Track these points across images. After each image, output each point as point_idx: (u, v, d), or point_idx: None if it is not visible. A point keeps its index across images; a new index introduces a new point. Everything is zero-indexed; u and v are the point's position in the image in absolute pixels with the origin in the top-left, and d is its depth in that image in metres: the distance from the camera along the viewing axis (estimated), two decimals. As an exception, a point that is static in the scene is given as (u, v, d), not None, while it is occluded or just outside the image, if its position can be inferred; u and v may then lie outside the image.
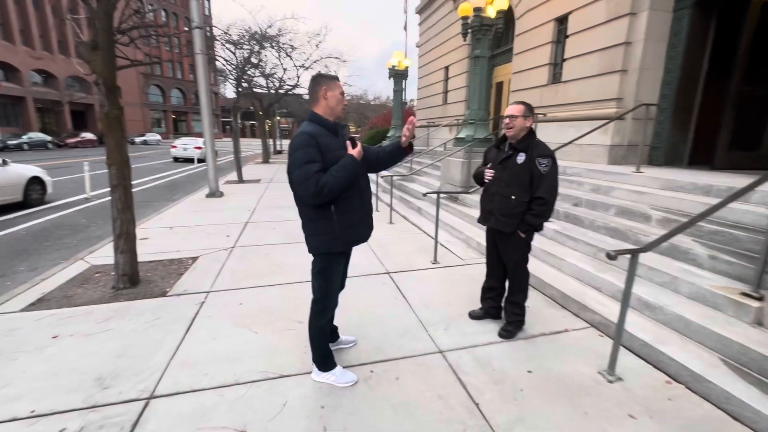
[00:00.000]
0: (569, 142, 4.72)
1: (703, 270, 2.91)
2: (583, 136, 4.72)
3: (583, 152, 6.46)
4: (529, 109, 2.53)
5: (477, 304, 3.12)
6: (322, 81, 1.99)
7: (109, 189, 3.47)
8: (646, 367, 2.37)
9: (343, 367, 2.27)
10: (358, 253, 4.52)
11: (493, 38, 6.75)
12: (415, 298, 3.37)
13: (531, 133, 2.56)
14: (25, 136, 24.80)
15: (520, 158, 2.48)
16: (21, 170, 7.38)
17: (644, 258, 2.52)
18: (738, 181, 3.95)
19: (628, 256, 2.11)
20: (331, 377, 2.20)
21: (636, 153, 5.90)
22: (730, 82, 5.17)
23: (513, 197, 2.49)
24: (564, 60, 7.08)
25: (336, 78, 2.03)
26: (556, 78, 7.48)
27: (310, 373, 2.29)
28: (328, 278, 2.10)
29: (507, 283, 2.81)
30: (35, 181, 7.63)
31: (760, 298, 2.38)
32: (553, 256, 3.80)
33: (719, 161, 5.31)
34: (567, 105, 7.01)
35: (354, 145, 2.01)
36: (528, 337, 2.73)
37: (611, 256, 2.01)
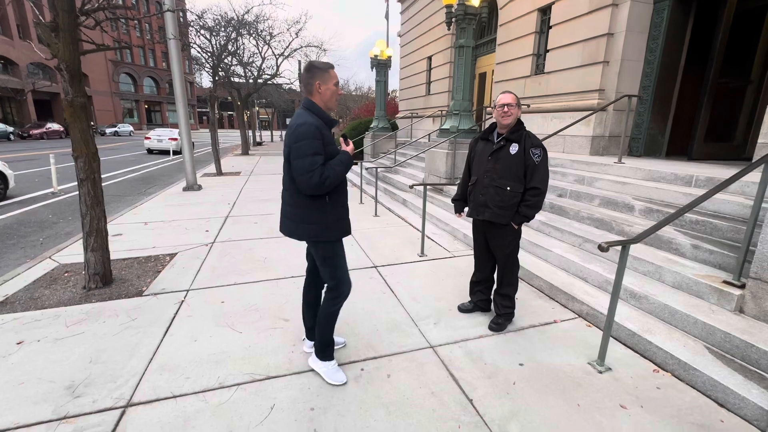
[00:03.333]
0: (554, 134, 4.73)
1: (686, 259, 2.97)
2: (566, 127, 4.75)
3: (566, 143, 6.52)
4: (520, 100, 2.55)
5: (466, 297, 3.10)
6: (315, 74, 1.93)
7: (76, 183, 3.25)
8: (633, 357, 2.40)
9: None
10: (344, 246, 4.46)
11: (477, 28, 6.69)
12: (404, 292, 3.32)
13: (521, 123, 2.53)
14: (-16, 127, 23.31)
15: (514, 149, 2.44)
16: (-21, 163, 6.89)
17: (630, 248, 2.54)
18: (716, 171, 4.05)
19: (619, 247, 2.10)
20: (323, 369, 2.17)
21: (617, 144, 6.01)
22: (707, 74, 5.28)
23: (508, 188, 2.46)
24: (547, 51, 7.09)
25: (330, 67, 1.98)
26: (539, 69, 7.50)
27: (299, 373, 2.21)
28: (336, 264, 2.09)
29: (496, 276, 2.78)
30: (-5, 175, 7.14)
31: (741, 286, 2.44)
32: (539, 247, 3.81)
33: (696, 152, 5.45)
34: (550, 96, 7.04)
35: (347, 143, 2.09)
36: (518, 329, 2.72)
37: (603, 248, 2.00)
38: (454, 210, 3.01)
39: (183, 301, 3.10)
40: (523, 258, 3.75)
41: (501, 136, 2.54)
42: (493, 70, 9.32)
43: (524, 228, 4.31)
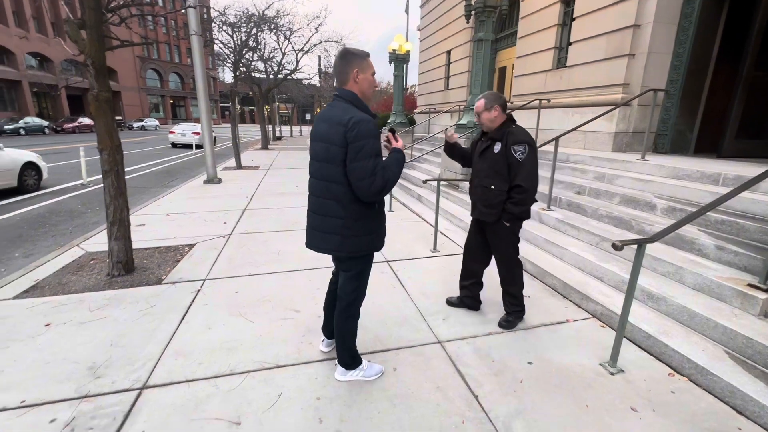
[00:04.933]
0: (572, 129, 4.59)
1: (708, 260, 2.85)
2: (587, 122, 4.59)
3: (587, 139, 6.34)
4: (491, 100, 2.47)
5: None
6: (353, 61, 1.74)
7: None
8: (648, 359, 2.33)
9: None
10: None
11: (497, 21, 6.55)
12: (414, 287, 3.32)
13: (508, 121, 2.49)
14: (21, 121, 24.52)
15: (497, 147, 2.44)
16: (16, 155, 7.26)
17: (648, 248, 2.46)
18: (747, 169, 3.85)
19: (634, 246, 2.04)
20: (359, 373, 2.10)
21: (641, 140, 5.79)
22: (741, 66, 5.01)
23: (492, 187, 2.47)
24: (570, 44, 6.88)
25: (368, 55, 1.79)
26: (561, 63, 7.29)
27: (307, 363, 2.26)
28: (365, 279, 2.01)
29: (498, 274, 2.72)
30: (30, 167, 7.53)
31: (767, 290, 2.32)
32: (554, 245, 3.73)
33: (726, 149, 5.20)
34: (572, 90, 6.85)
35: (396, 139, 1.85)
36: (528, 327, 2.68)
37: (617, 247, 1.94)
38: None
39: (199, 290, 3.20)
40: (537, 255, 3.69)
41: (487, 135, 2.55)
42: (513, 64, 9.12)
43: (538, 225, 4.24)
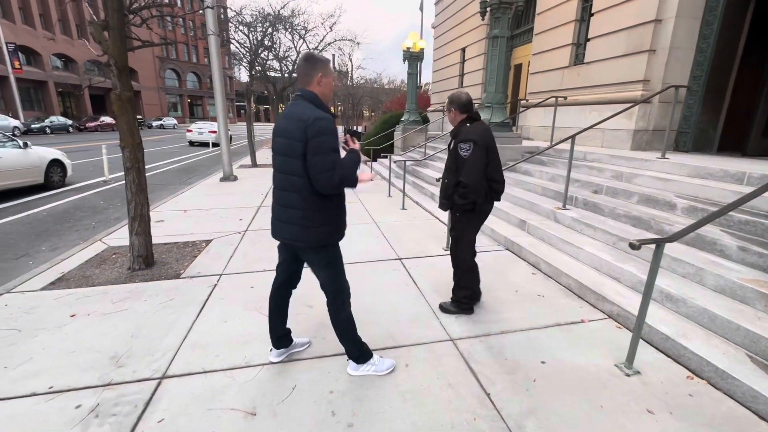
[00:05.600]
0: (590, 127, 4.50)
1: (731, 262, 2.76)
2: (605, 120, 4.50)
3: (605, 137, 6.21)
4: (449, 102, 2.69)
5: (490, 293, 3.08)
6: (318, 65, 1.84)
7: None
8: (666, 361, 2.28)
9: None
10: (369, 239, 4.52)
11: (513, 17, 6.47)
12: (427, 284, 3.33)
13: (464, 120, 2.65)
14: (47, 120, 25.40)
15: (452, 145, 2.66)
16: (42, 153, 7.54)
17: (667, 248, 2.41)
18: (773, 168, 3.72)
19: (652, 246, 2.00)
20: (371, 368, 2.11)
21: (661, 138, 5.65)
22: (769, 62, 4.83)
23: (446, 180, 2.74)
24: (588, 40, 6.75)
25: (329, 61, 1.93)
26: (578, 59, 7.16)
27: (320, 357, 2.29)
28: (338, 268, 2.04)
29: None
30: (56, 164, 7.81)
31: (793, 293, 2.25)
32: (569, 244, 3.68)
33: (752, 147, 5.03)
34: (589, 87, 6.72)
35: (354, 141, 1.99)
36: (542, 326, 2.66)
37: (635, 246, 1.91)
38: None
39: (216, 284, 3.28)
40: (552, 255, 3.65)
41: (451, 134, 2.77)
42: (529, 61, 9.00)
43: (553, 224, 4.18)
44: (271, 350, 2.28)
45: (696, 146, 5.57)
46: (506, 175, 5.82)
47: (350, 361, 2.15)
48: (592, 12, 6.58)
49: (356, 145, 1.96)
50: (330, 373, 2.15)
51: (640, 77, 5.67)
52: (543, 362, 2.27)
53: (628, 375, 2.15)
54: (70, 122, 27.04)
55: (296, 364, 2.23)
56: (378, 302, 2.99)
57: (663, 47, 5.42)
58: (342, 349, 2.34)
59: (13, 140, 7.00)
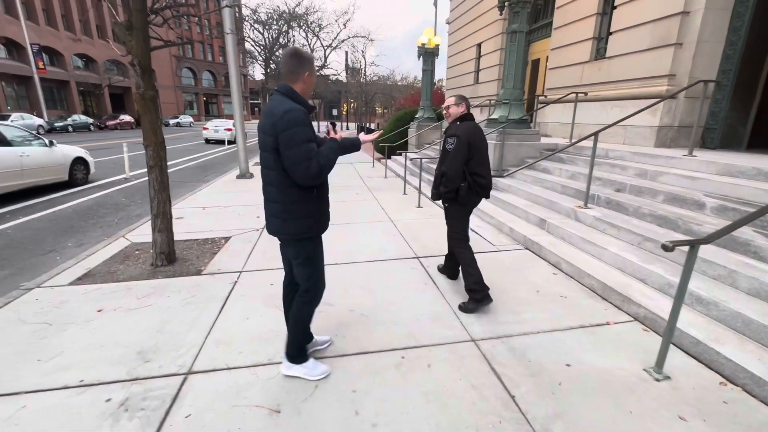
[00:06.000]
0: (614, 123, 4.37)
1: (766, 264, 2.66)
2: (630, 116, 4.36)
3: (628, 134, 6.05)
4: (460, 98, 2.94)
5: (510, 293, 3.05)
6: (305, 63, 1.85)
7: (145, 169, 3.56)
8: (697, 367, 2.21)
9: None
10: (386, 237, 4.51)
11: (532, 12, 6.34)
12: (446, 284, 3.30)
13: (459, 118, 2.89)
14: (70, 119, 26.11)
15: (443, 139, 2.93)
16: (67, 151, 7.75)
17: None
18: (810, 166, 3.56)
19: (685, 247, 1.93)
20: (303, 370, 2.09)
21: (687, 135, 5.48)
22: (805, 54, 4.62)
23: (436, 171, 3.00)
24: (610, 33, 6.57)
25: (313, 58, 1.97)
26: (599, 53, 6.98)
27: (342, 356, 2.30)
28: (317, 263, 2.03)
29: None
30: (79, 162, 8.02)
31: (835, 297, 2.14)
32: (592, 244, 3.60)
33: (785, 144, 4.82)
34: (611, 83, 6.54)
35: (335, 131, 2.05)
36: (565, 328, 2.60)
37: (668, 248, 1.84)
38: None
39: (236, 281, 3.32)
40: (573, 255, 3.57)
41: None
42: (547, 57, 8.82)
43: (575, 224, 4.10)
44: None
45: (724, 143, 5.38)
46: (524, 172, 5.75)
47: (284, 360, 2.12)
48: (615, 5, 6.40)
49: (337, 135, 1.99)
50: (352, 372, 2.15)
51: (666, 72, 5.48)
52: (568, 365, 2.22)
53: (657, 380, 2.09)
54: (91, 121, 27.74)
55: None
56: (397, 301, 2.98)
57: (690, 40, 5.23)
58: (365, 348, 2.37)
59: (39, 139, 7.22)
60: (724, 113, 5.29)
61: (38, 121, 22.83)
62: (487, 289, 2.84)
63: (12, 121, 19.96)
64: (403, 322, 2.68)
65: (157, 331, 2.53)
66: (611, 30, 6.53)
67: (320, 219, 1.97)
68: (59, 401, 1.92)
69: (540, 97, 8.43)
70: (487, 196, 2.96)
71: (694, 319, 2.48)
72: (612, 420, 1.83)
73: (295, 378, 2.10)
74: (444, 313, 2.82)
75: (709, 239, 1.93)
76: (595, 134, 4.06)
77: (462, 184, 2.78)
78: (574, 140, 4.94)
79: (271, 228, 1.95)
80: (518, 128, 6.27)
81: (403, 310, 2.83)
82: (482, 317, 2.75)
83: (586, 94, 6.76)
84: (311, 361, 2.15)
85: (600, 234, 3.77)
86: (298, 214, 1.87)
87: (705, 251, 2.82)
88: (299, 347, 2.12)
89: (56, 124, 24.46)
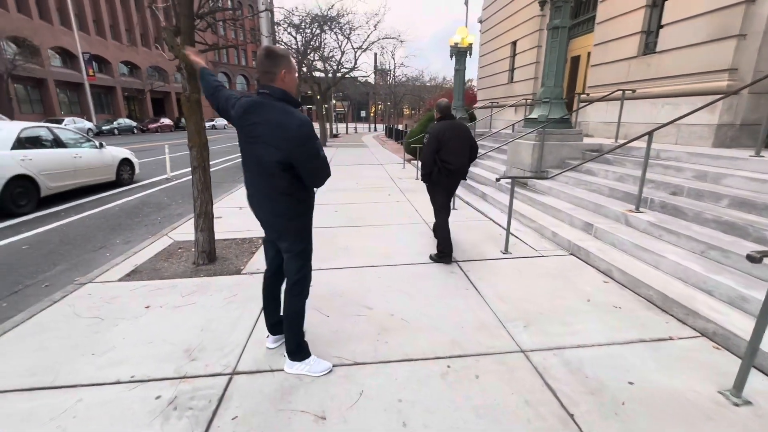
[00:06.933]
0: (670, 122, 4.06)
1: None
2: (687, 115, 4.03)
3: (681, 133, 5.65)
4: (438, 109, 3.72)
5: (557, 300, 2.89)
6: (281, 61, 1.80)
7: (187, 170, 3.65)
8: (782, 392, 1.98)
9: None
10: (422, 240, 4.42)
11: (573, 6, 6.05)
12: (488, 290, 3.16)
13: (438, 119, 3.72)
14: (115, 122, 27.73)
15: None
16: (114, 152, 8.18)
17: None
18: None
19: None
20: (305, 367, 2.11)
21: (750, 134, 5.06)
22: None
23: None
24: (661, 27, 6.17)
25: (290, 55, 1.91)
26: (648, 48, 6.58)
27: (384, 362, 2.23)
28: (309, 257, 2.12)
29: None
30: (126, 163, 8.44)
31: None
32: (646, 251, 3.35)
33: None
34: (662, 79, 6.14)
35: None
36: (624, 342, 2.42)
37: (754, 258, 1.65)
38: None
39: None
40: (626, 262, 3.34)
41: None
42: (588, 53, 8.43)
43: (625, 229, 3.85)
44: (267, 336, 2.37)
45: (794, 142, 4.90)
46: (566, 174, 5.47)
47: (286, 358, 2.14)
48: (666, -4, 6.01)
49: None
50: (397, 380, 2.07)
51: (726, 66, 5.07)
52: (631, 383, 2.05)
53: (736, 404, 1.88)
54: (134, 124, 29.33)
55: (361, 368, 2.18)
56: (437, 306, 2.88)
57: (756, 31, 4.80)
58: (409, 354, 2.29)
59: (90, 141, 7.65)
60: (795, 110, 4.82)
61: (88, 124, 24.39)
62: (450, 249, 3.69)
63: (65, 124, 21.41)
64: (446, 329, 2.58)
65: (201, 330, 2.56)
66: (662, 23, 6.13)
67: (312, 211, 2.08)
68: (113, 396, 1.96)
69: (581, 96, 8.06)
70: (458, 179, 3.75)
71: (775, 337, 2.23)
72: (687, 448, 1.65)
73: (339, 383, 2.05)
74: (489, 320, 2.70)
75: (805, 250, 1.71)
76: (650, 133, 3.79)
77: (434, 168, 3.57)
78: (620, 140, 4.66)
79: (275, 227, 2.01)
80: (559, 128, 6.00)
81: (445, 317, 2.73)
82: (530, 327, 2.60)
83: (633, 91, 6.38)
84: (313, 357, 2.16)
85: (656, 240, 3.51)
86: (302, 211, 1.98)
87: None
88: (298, 343, 2.14)
89: (103, 128, 26.03)
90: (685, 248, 3.26)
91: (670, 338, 2.45)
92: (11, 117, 21.95)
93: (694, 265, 2.96)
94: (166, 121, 32.49)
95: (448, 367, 2.18)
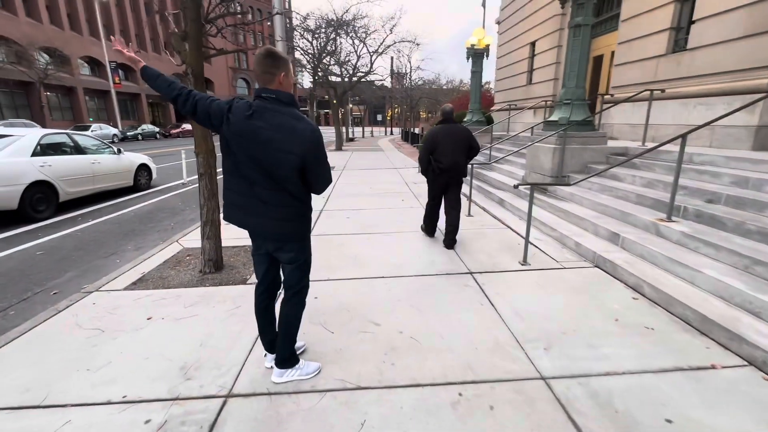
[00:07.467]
0: (705, 124, 3.74)
1: None
2: (726, 115, 3.70)
3: (715, 135, 5.27)
4: (440, 113, 4.22)
5: (582, 320, 2.65)
6: (281, 63, 1.76)
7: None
8: None
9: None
10: (435, 248, 4.22)
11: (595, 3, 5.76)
12: (505, 305, 2.95)
13: (438, 123, 4.23)
14: (139, 128, 28.63)
15: None
16: (132, 158, 8.32)
17: None
18: None
19: None
20: (297, 373, 2.10)
21: (796, 136, 4.64)
22: None
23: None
24: (692, 22, 5.80)
25: (289, 60, 1.87)
26: (678, 45, 6.20)
27: (390, 387, 2.05)
28: (310, 264, 2.10)
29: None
30: (143, 168, 8.57)
31: None
32: (680, 264, 3.06)
33: None
34: (693, 78, 5.77)
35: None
36: (658, 370, 2.16)
37: (822, 284, 1.40)
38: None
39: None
40: (657, 276, 3.07)
41: None
42: (612, 52, 8.06)
43: (655, 239, 3.56)
44: (266, 355, 2.25)
45: None
46: (590, 180, 5.17)
47: (276, 367, 2.09)
48: (698, -10, 5.64)
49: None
50: (403, 409, 1.89)
51: (767, 62, 4.69)
52: (669, 421, 1.80)
53: (797, 452, 1.62)
54: (157, 129, 30.22)
55: (365, 394, 2.01)
56: (449, 323, 2.69)
57: (801, 24, 4.42)
58: (417, 379, 2.12)
59: (109, 147, 7.79)
60: None
61: (113, 130, 25.22)
62: (432, 226, 4.45)
63: (92, 131, 22.23)
64: (459, 349, 2.38)
65: (200, 345, 2.45)
66: (693, 18, 5.76)
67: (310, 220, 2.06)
68: (102, 418, 1.85)
69: (605, 96, 7.70)
70: (451, 176, 4.09)
71: (839, 370, 1.94)
72: (741, 505, 1.41)
73: (340, 411, 1.89)
74: (505, 340, 2.48)
75: None
76: (683, 135, 3.49)
77: (429, 166, 4.09)
78: (648, 143, 4.35)
79: (279, 235, 1.93)
80: (581, 130, 5.70)
81: (458, 335, 2.54)
82: (552, 349, 2.38)
83: (662, 91, 6.01)
84: (301, 361, 2.16)
85: (691, 253, 3.21)
86: (307, 216, 1.99)
87: None
88: (292, 352, 2.12)
89: (128, 133, 26.89)
90: (726, 262, 2.95)
91: (713, 367, 2.18)
92: (43, 124, 22.95)
93: (737, 281, 2.67)
94: (187, 126, 33.24)
95: (460, 395, 1.99)
